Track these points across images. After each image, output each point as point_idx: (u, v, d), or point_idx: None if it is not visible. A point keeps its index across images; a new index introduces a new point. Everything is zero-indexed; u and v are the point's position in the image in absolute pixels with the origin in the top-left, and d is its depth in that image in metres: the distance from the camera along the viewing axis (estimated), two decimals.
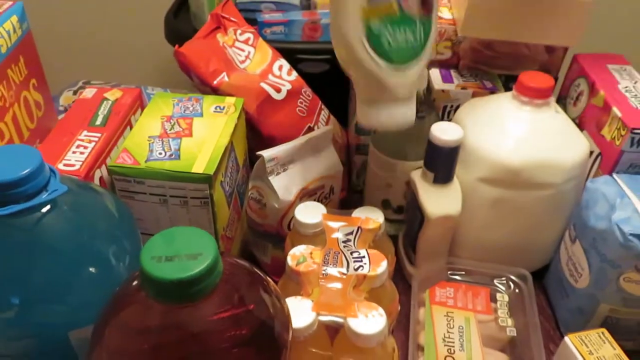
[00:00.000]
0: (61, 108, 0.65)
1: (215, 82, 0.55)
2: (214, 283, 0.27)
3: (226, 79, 0.56)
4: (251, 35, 0.64)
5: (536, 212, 0.51)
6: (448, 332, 0.47)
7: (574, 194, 0.51)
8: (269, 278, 0.33)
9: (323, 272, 0.42)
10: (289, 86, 0.60)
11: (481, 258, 0.53)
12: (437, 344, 0.46)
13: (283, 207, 0.50)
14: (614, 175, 0.48)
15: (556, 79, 0.62)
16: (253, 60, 0.61)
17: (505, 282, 0.52)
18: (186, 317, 0.27)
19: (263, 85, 0.58)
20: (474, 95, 0.60)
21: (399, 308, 0.48)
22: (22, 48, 0.45)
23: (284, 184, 0.50)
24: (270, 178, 0.50)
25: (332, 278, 0.42)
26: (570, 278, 0.50)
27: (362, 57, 0.42)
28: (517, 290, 0.51)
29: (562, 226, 0.53)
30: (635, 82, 0.54)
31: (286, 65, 0.64)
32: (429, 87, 0.61)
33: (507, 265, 0.52)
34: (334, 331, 0.40)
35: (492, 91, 0.60)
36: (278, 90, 0.59)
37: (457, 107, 0.60)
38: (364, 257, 0.43)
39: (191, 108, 0.52)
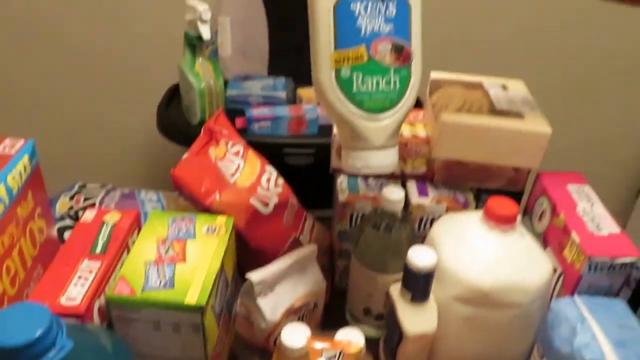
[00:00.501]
0: (57, 216, 0.68)
1: (207, 202, 0.59)
2: None
3: (217, 197, 0.60)
4: (241, 148, 0.68)
5: (505, 329, 0.55)
6: None
7: (540, 312, 0.55)
8: None
9: None
10: (276, 199, 0.64)
11: None
12: None
13: (270, 327, 0.53)
14: (575, 297, 0.52)
15: (522, 193, 0.67)
16: (243, 172, 0.66)
17: None
18: None
19: (252, 201, 0.62)
20: (448, 209, 0.64)
21: None
22: (31, 183, 0.49)
23: (271, 305, 0.53)
24: (258, 300, 0.53)
25: None
26: None
27: (332, 101, 0.45)
28: None
29: (530, 342, 0.56)
30: (592, 204, 0.60)
31: (273, 175, 0.68)
32: (407, 201, 0.65)
33: None
34: None
35: (465, 205, 0.65)
36: (266, 205, 0.63)
37: (433, 219, 0.65)
38: None
39: (185, 229, 0.55)
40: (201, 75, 0.94)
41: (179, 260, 0.51)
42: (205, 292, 0.48)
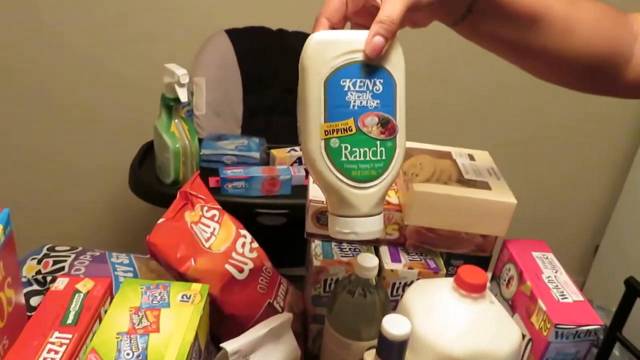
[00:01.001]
0: (24, 279, 0.66)
1: (182, 269, 0.59)
2: None
3: (193, 264, 0.60)
4: (217, 212, 0.69)
5: None
6: None
7: None
8: None
9: None
10: (251, 265, 0.64)
11: None
12: None
13: None
14: None
15: (490, 257, 0.70)
16: (218, 237, 0.66)
17: None
18: None
19: (227, 267, 0.62)
20: (420, 275, 0.66)
21: None
22: (3, 253, 0.48)
23: None
24: None
25: None
26: None
27: (321, 170, 0.46)
28: None
29: None
30: (557, 272, 0.62)
31: (248, 239, 0.68)
32: (380, 267, 0.67)
33: None
34: None
35: (436, 271, 0.66)
36: (241, 270, 0.63)
37: (405, 284, 0.67)
38: None
39: (159, 297, 0.55)
40: (177, 136, 0.95)
41: (152, 331, 0.50)
42: None
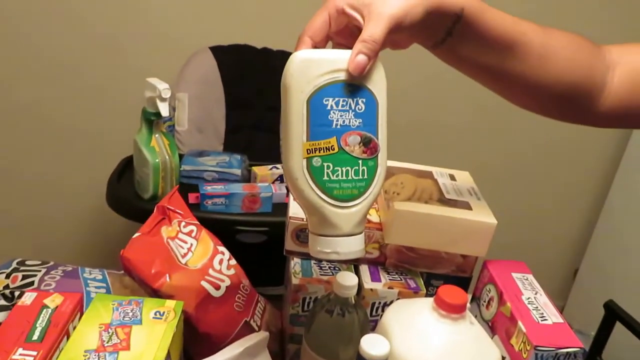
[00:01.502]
0: None
1: (156, 285, 0.57)
2: None
3: (167, 280, 0.58)
4: (195, 228, 0.67)
5: None
6: None
7: None
8: None
9: None
10: (228, 282, 0.63)
11: None
12: None
13: None
14: None
15: (470, 278, 0.69)
16: (195, 253, 0.65)
17: None
18: None
19: (203, 283, 0.60)
20: (400, 294, 0.65)
21: None
22: None
23: None
24: None
25: None
26: None
27: (303, 188, 0.46)
28: None
29: None
30: (536, 293, 0.62)
31: (226, 256, 0.67)
32: (359, 286, 0.66)
33: None
34: None
35: (416, 291, 0.66)
36: (217, 288, 0.61)
37: (385, 303, 0.66)
38: None
39: (131, 314, 0.53)
40: (157, 151, 0.94)
41: (122, 349, 0.49)
42: None
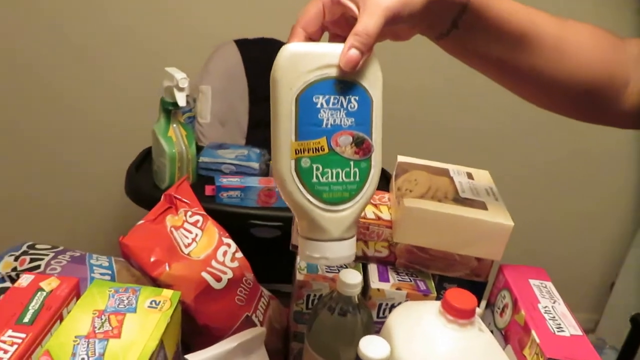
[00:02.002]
0: None
1: (155, 273, 0.56)
2: None
3: (167, 269, 0.57)
4: (200, 218, 0.66)
5: None
6: None
7: None
8: None
9: None
10: (230, 274, 0.61)
11: None
12: None
13: None
14: None
15: (486, 283, 0.66)
16: (199, 243, 0.63)
17: None
18: None
19: (204, 274, 0.59)
20: (408, 296, 0.62)
21: None
22: None
23: None
24: None
25: None
26: None
27: (291, 190, 0.44)
28: None
29: None
30: (554, 302, 0.58)
31: (232, 248, 0.65)
32: (365, 285, 0.63)
33: None
34: None
35: (426, 294, 0.62)
36: (218, 280, 0.60)
37: (392, 305, 0.63)
38: None
39: (126, 301, 0.52)
40: (174, 141, 0.94)
41: (113, 336, 0.47)
42: None
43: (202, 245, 0.63)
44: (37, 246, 0.71)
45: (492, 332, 0.56)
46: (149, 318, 0.50)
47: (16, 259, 0.67)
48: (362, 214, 0.50)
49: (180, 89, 0.89)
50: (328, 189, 0.44)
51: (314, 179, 0.43)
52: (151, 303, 0.52)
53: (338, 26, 0.47)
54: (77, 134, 1.54)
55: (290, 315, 0.67)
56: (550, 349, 0.51)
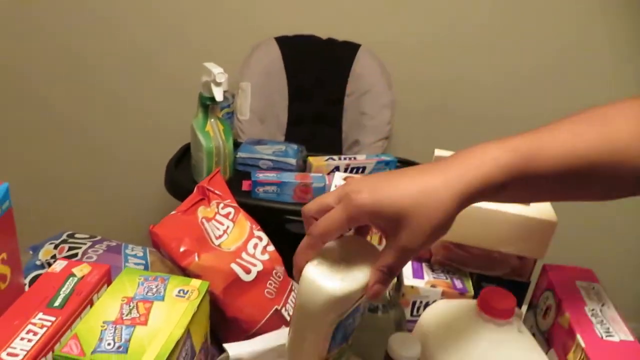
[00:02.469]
0: (38, 262, 0.66)
1: (184, 263, 0.56)
2: None
3: (196, 259, 0.57)
4: (232, 210, 0.66)
5: None
6: None
7: None
8: None
9: None
10: (260, 267, 0.60)
11: None
12: None
13: None
14: None
15: (528, 284, 0.62)
16: (230, 235, 0.63)
17: None
18: None
19: (233, 266, 0.58)
20: (444, 294, 0.59)
21: None
22: (0, 226, 0.47)
23: None
24: None
25: None
26: None
27: None
28: None
29: None
30: (603, 305, 0.54)
31: (263, 241, 0.65)
32: (399, 282, 0.61)
33: None
34: None
35: (462, 292, 0.59)
36: (248, 272, 0.59)
37: (427, 303, 0.60)
38: None
39: (155, 289, 0.52)
40: (211, 135, 0.94)
41: (140, 323, 0.47)
42: None
43: (233, 237, 0.63)
44: (76, 235, 0.72)
45: (533, 334, 0.53)
46: (176, 307, 0.50)
47: (55, 247, 0.69)
48: None
49: (218, 84, 0.89)
50: None
51: None
52: (179, 292, 0.52)
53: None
54: (125, 126, 1.59)
55: None
56: (597, 355, 0.47)
